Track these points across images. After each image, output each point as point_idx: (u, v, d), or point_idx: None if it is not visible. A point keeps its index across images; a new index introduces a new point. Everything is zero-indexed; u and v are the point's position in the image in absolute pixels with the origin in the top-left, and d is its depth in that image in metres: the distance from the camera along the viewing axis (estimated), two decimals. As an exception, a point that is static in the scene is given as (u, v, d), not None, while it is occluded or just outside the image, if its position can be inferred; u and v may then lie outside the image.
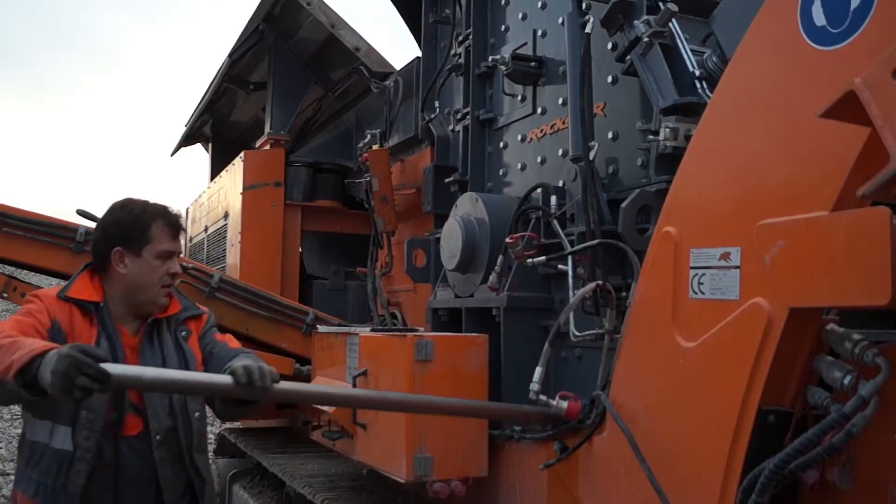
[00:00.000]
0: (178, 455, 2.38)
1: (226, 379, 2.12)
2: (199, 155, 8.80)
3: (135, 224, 2.42)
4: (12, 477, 8.63)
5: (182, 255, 2.70)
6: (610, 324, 2.58)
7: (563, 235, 2.88)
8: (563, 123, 3.09)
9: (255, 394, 2.10)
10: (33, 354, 1.88)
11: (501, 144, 3.60)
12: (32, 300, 2.34)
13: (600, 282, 2.58)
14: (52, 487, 2.23)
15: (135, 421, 2.31)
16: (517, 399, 2.85)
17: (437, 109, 4.06)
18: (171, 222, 2.48)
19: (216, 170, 7.08)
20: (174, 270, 2.45)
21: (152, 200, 2.56)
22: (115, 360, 2.26)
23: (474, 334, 3.09)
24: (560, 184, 3.07)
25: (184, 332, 2.48)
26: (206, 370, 2.45)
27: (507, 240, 2.94)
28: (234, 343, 2.58)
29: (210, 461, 2.69)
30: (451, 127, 3.96)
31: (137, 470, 2.32)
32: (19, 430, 2.45)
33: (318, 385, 2.72)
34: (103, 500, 2.28)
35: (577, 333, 2.73)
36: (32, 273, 4.79)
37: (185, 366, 2.40)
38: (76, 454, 2.22)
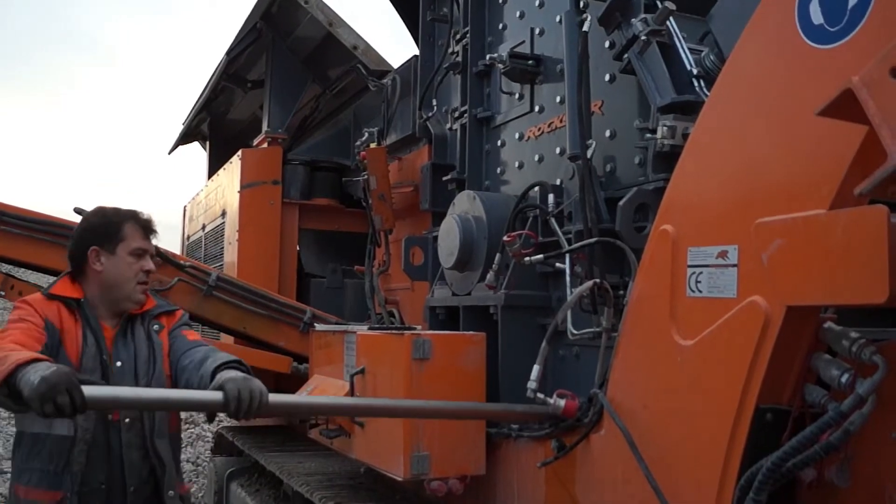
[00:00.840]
0: (143, 440, 2.51)
1: (214, 395, 2.14)
2: (197, 153, 8.80)
3: (108, 225, 2.61)
4: (10, 474, 8.66)
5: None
6: (607, 322, 2.58)
7: (560, 234, 2.88)
8: (561, 122, 3.09)
9: (242, 417, 2.13)
10: (16, 364, 1.97)
11: (499, 143, 3.60)
12: (21, 306, 2.46)
13: (598, 280, 2.58)
14: (55, 472, 2.38)
15: None
16: (515, 397, 2.85)
17: (435, 108, 4.06)
18: (141, 223, 2.66)
19: (214, 168, 7.08)
20: (148, 268, 2.62)
21: (124, 208, 2.75)
22: (100, 351, 2.47)
23: (472, 332, 3.09)
24: (558, 182, 3.07)
25: (156, 326, 2.63)
26: (169, 360, 2.60)
27: (505, 238, 2.94)
28: (192, 336, 2.68)
29: (188, 457, 2.83)
30: (448, 125, 3.96)
31: (120, 452, 2.48)
32: (16, 429, 2.55)
33: (306, 396, 2.73)
34: (97, 480, 2.44)
35: (575, 332, 2.73)
36: (30, 271, 4.79)
37: (153, 355, 2.56)
38: (77, 435, 2.38)
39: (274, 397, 2.24)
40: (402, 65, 4.61)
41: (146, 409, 2.41)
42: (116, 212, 2.68)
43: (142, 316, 2.62)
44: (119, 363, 2.48)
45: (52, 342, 2.36)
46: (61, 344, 2.40)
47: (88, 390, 1.94)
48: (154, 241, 2.72)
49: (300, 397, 2.71)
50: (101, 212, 2.71)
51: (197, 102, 7.21)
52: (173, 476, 2.60)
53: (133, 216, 2.66)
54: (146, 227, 2.67)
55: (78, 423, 2.40)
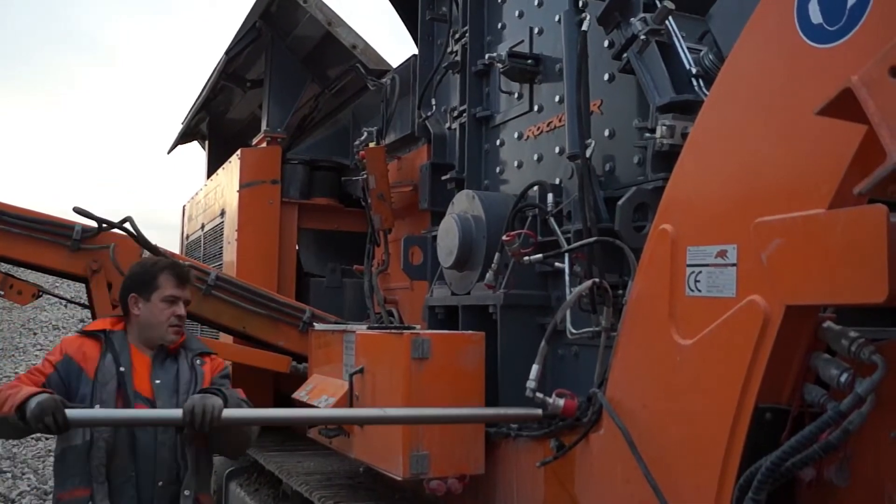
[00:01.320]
0: (174, 442, 2.82)
1: (174, 413, 2.63)
2: (196, 152, 8.80)
3: (146, 275, 3.00)
4: (9, 474, 8.69)
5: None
6: (607, 321, 2.58)
7: (559, 233, 2.89)
8: (560, 121, 3.09)
9: (198, 429, 2.58)
10: (27, 395, 2.55)
11: (498, 142, 3.60)
12: (52, 350, 2.95)
13: (597, 279, 2.58)
14: (88, 472, 2.75)
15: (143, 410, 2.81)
16: (514, 396, 2.85)
17: (434, 107, 4.06)
18: (176, 273, 3.01)
19: (213, 167, 7.07)
20: (179, 313, 2.96)
21: (164, 259, 3.28)
22: (116, 364, 2.84)
23: (471, 332, 3.09)
24: (557, 181, 3.07)
25: (198, 361, 3.00)
26: None
27: (504, 237, 2.94)
28: (241, 395, 2.98)
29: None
30: (447, 124, 3.96)
31: (148, 450, 2.80)
32: None
33: (259, 409, 2.99)
34: (126, 472, 2.77)
35: (574, 331, 2.73)
36: (29, 271, 4.79)
37: (195, 379, 2.93)
38: (94, 436, 2.74)
39: (229, 411, 2.64)
40: (402, 64, 4.61)
41: (117, 426, 2.74)
42: (155, 263, 3.10)
43: (183, 349, 3.00)
44: (158, 381, 2.87)
45: (67, 372, 2.82)
46: (81, 368, 2.82)
47: (71, 413, 2.51)
48: (184, 289, 3.03)
49: (253, 410, 2.91)
50: (143, 262, 3.18)
51: (196, 102, 7.21)
52: (193, 478, 2.84)
53: (168, 267, 3.03)
54: (180, 277, 3.01)
55: (95, 429, 2.77)
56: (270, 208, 5.46)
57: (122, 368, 2.83)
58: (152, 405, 2.83)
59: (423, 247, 3.93)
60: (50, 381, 2.78)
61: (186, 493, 2.81)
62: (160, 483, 2.80)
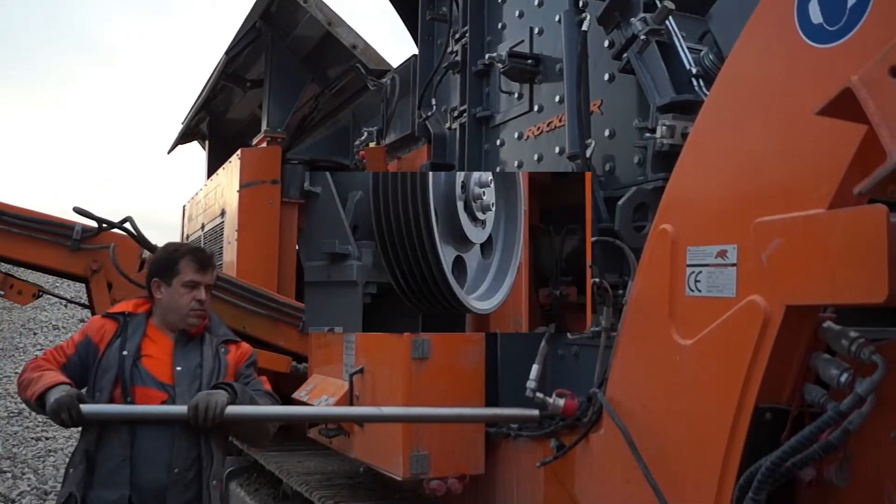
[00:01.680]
0: (196, 432, 2.79)
1: (181, 409, 2.72)
2: (196, 152, 8.80)
3: (168, 260, 3.04)
4: (9, 474, 8.70)
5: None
6: (607, 321, 2.58)
7: (560, 233, 2.89)
8: (560, 121, 3.09)
9: (202, 424, 2.69)
10: (47, 387, 2.69)
11: (498, 142, 3.59)
12: (85, 325, 3.07)
13: (597, 279, 2.58)
14: (81, 450, 2.83)
15: (158, 396, 2.82)
16: (515, 396, 2.85)
17: (434, 107, 4.06)
18: (197, 258, 3.03)
19: (213, 167, 7.08)
20: (199, 298, 2.97)
21: (187, 244, 3.24)
22: (121, 348, 2.87)
23: (471, 332, 3.09)
24: (557, 181, 3.07)
25: (223, 349, 3.03)
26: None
27: (504, 237, 2.94)
28: (266, 385, 3.06)
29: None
30: (447, 124, 3.96)
31: (154, 435, 2.79)
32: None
33: (261, 407, 2.92)
34: (123, 453, 2.77)
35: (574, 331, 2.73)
36: (30, 271, 4.79)
37: (218, 369, 2.94)
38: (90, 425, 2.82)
39: (232, 409, 2.71)
40: (402, 64, 4.60)
41: (126, 421, 2.78)
42: (177, 248, 3.15)
43: (209, 335, 3.04)
44: (179, 368, 2.90)
45: (86, 352, 2.90)
46: (98, 349, 2.90)
47: (85, 408, 2.67)
48: (206, 274, 3.04)
49: (256, 408, 2.87)
50: (167, 247, 3.23)
51: (196, 102, 7.22)
52: (220, 470, 2.89)
53: (190, 252, 3.07)
54: (201, 262, 3.02)
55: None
56: (270, 208, 5.46)
57: (124, 352, 2.86)
58: (172, 391, 2.85)
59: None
60: (70, 362, 2.87)
61: (214, 483, 2.84)
62: (176, 470, 2.80)
